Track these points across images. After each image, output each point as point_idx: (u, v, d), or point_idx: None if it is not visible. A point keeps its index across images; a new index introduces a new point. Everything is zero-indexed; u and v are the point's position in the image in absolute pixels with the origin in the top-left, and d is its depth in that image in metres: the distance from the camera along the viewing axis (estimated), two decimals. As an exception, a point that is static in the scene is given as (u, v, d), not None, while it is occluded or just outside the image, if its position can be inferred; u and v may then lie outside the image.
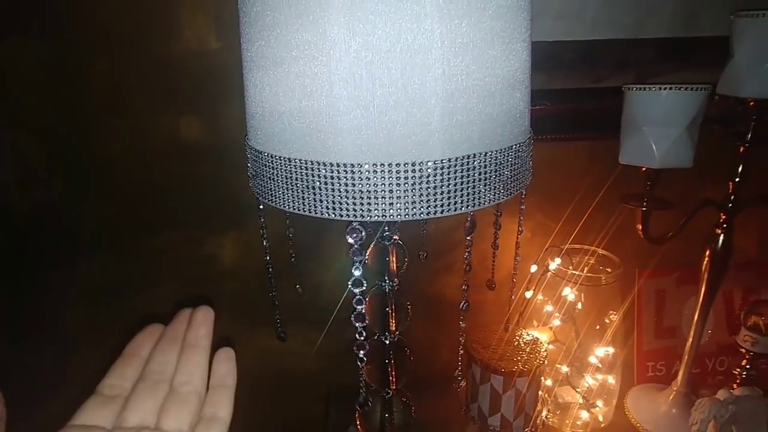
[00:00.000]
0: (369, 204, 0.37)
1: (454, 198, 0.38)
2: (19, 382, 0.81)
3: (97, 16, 0.65)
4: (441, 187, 0.37)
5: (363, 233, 0.38)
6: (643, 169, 0.60)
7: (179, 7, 0.65)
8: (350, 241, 0.38)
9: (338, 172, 0.36)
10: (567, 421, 0.75)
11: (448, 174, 0.37)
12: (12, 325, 0.77)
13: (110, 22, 0.65)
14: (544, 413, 0.64)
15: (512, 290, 0.53)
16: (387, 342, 0.59)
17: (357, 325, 0.39)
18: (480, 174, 0.38)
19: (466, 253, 0.41)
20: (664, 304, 0.83)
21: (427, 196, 0.37)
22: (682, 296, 0.83)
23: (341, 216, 0.37)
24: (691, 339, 0.72)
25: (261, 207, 0.47)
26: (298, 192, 0.39)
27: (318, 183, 0.37)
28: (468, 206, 0.38)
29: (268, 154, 0.40)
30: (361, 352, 0.39)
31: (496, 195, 0.40)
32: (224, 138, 0.70)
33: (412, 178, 0.36)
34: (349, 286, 0.38)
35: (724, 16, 0.61)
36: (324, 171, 0.37)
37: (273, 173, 0.40)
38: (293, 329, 0.81)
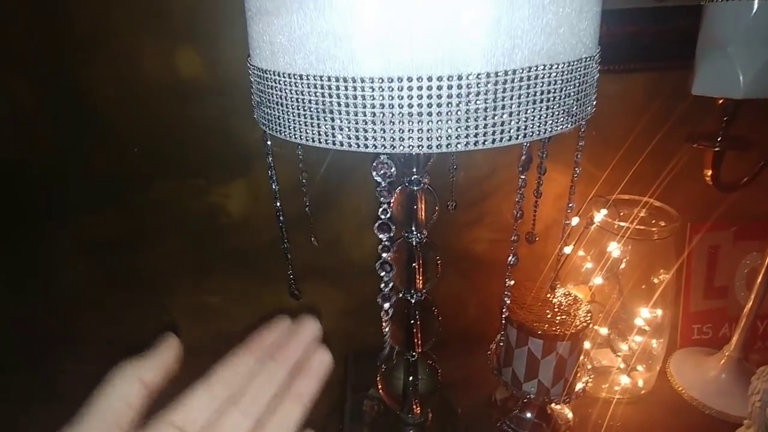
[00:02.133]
0: (401, 131, 0.29)
1: (509, 123, 0.30)
2: (21, 339, 0.78)
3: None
4: (493, 108, 0.29)
5: (393, 169, 0.31)
6: (720, 101, 0.51)
7: None
8: (377, 179, 0.31)
9: (362, 90, 0.29)
10: (603, 386, 0.70)
11: (503, 91, 0.29)
12: (11, 280, 0.73)
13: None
14: (585, 379, 0.58)
15: (562, 241, 0.46)
16: (413, 301, 0.53)
17: (382, 275, 0.32)
18: (542, 93, 0.30)
19: (518, 196, 0.33)
20: (717, 261, 0.75)
21: (475, 120, 0.29)
22: (738, 253, 0.74)
23: (366, 147, 0.30)
24: (751, 301, 0.64)
25: (268, 143, 0.40)
26: (312, 118, 0.31)
27: (337, 105, 0.30)
28: (525, 134, 0.30)
29: (274, 72, 0.33)
30: (386, 304, 0.33)
31: (558, 122, 0.32)
32: (225, 74, 0.62)
33: (456, 96, 0.28)
34: (375, 230, 0.31)
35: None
36: (344, 89, 0.29)
37: (281, 96, 0.33)
38: (309, 286, 0.76)
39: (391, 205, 0.50)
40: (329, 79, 0.29)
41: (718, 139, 0.52)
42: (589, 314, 0.57)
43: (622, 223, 0.61)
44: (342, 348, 0.78)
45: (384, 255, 0.33)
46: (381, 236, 0.32)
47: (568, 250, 0.67)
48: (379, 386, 0.60)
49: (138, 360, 0.23)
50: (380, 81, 0.28)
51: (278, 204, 0.42)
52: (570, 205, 0.42)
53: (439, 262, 0.52)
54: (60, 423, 0.21)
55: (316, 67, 0.30)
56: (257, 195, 0.69)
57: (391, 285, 0.34)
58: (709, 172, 0.54)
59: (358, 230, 0.72)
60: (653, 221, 0.63)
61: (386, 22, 0.27)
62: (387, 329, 0.35)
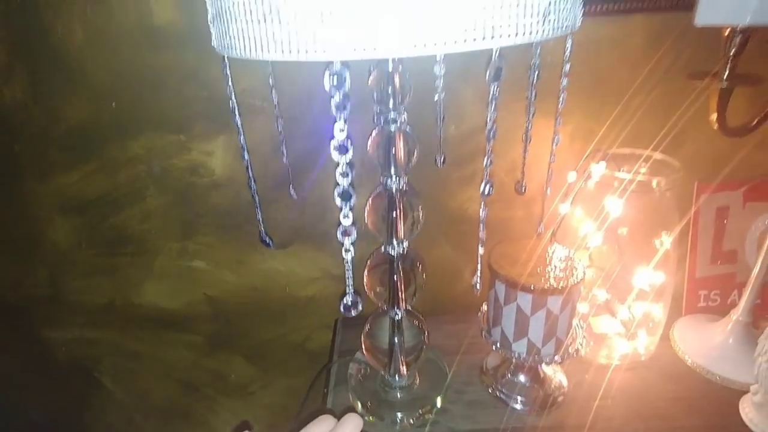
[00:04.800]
0: (357, 32, 0.26)
1: (478, 22, 0.27)
2: (14, 298, 0.78)
3: None
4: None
5: (345, 75, 0.28)
6: (726, 32, 0.47)
7: None
8: (326, 84, 0.28)
9: (309, -17, 0.26)
10: (602, 353, 0.66)
11: (466, -18, 0.26)
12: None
13: None
14: (580, 338, 0.55)
15: (555, 191, 0.42)
16: (393, 253, 0.51)
17: (341, 182, 0.30)
18: (512, -14, 0.27)
19: (489, 122, 0.30)
20: (726, 223, 0.70)
21: (437, 15, 0.26)
22: (749, 215, 0.70)
23: (314, 52, 0.27)
24: (759, 263, 0.60)
25: (227, 71, 0.38)
26: (257, 24, 0.28)
27: (283, 3, 0.27)
28: (492, 36, 0.27)
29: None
30: (347, 239, 0.30)
31: (539, 25, 0.29)
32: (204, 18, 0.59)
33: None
34: (333, 149, 0.29)
35: None
36: (290, -17, 0.26)
37: (231, 3, 0.30)
38: (296, 251, 0.74)
39: (369, 148, 0.47)
40: (275, -25, 0.27)
41: (725, 74, 0.48)
42: (584, 271, 0.53)
43: (622, 174, 0.57)
44: (330, 313, 0.76)
45: (343, 181, 0.30)
46: (338, 159, 0.30)
47: (565, 209, 0.64)
48: (364, 347, 0.58)
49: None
50: (327, -31, 0.25)
51: (243, 138, 0.40)
52: (558, 119, 0.39)
53: (421, 209, 0.49)
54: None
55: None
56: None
57: (351, 218, 0.31)
58: (715, 116, 0.50)
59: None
60: (656, 178, 0.59)
61: None
62: (349, 270, 0.32)
